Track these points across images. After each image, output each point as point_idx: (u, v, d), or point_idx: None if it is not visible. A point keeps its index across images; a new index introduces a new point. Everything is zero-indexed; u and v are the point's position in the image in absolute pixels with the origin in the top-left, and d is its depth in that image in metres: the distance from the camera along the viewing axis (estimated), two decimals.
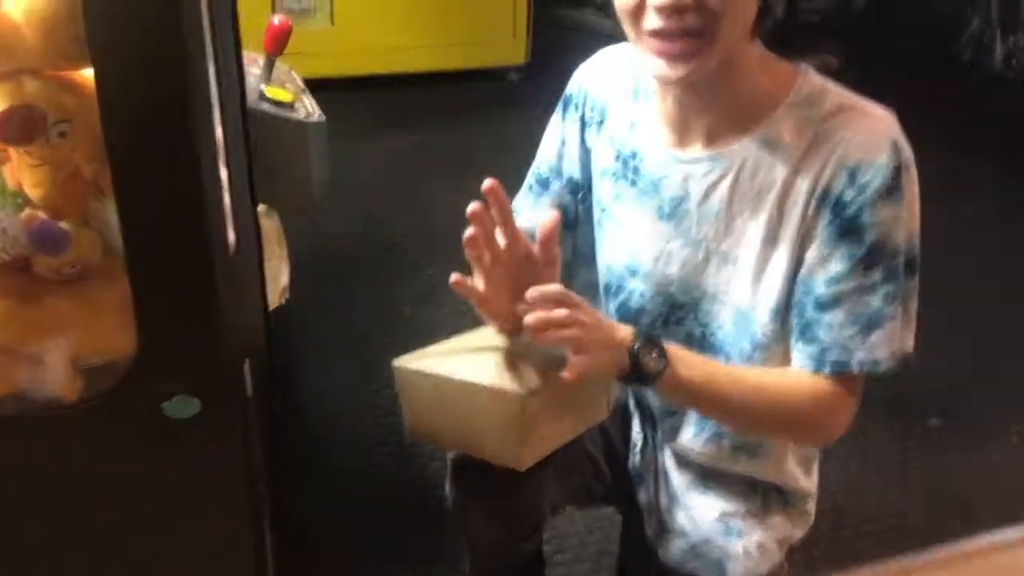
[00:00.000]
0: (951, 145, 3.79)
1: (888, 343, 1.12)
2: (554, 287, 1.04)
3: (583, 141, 1.29)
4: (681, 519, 1.37)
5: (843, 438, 2.16)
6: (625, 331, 1.09)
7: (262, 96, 1.36)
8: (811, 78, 1.13)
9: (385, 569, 1.76)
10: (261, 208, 1.06)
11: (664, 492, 1.40)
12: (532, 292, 1.01)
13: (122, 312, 0.94)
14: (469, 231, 1.02)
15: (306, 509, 1.89)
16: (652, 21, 1.03)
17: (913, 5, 4.29)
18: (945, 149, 3.74)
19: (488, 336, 1.18)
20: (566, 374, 1.02)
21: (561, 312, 1.02)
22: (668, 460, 1.40)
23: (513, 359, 1.14)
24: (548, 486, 1.28)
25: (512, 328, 1.15)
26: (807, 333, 1.13)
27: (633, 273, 1.26)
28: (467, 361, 1.15)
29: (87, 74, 0.83)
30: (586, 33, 4.98)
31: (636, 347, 1.07)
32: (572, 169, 1.34)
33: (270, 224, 1.09)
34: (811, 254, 1.11)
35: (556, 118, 1.33)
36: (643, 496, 1.43)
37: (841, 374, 1.13)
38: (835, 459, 2.11)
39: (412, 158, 3.58)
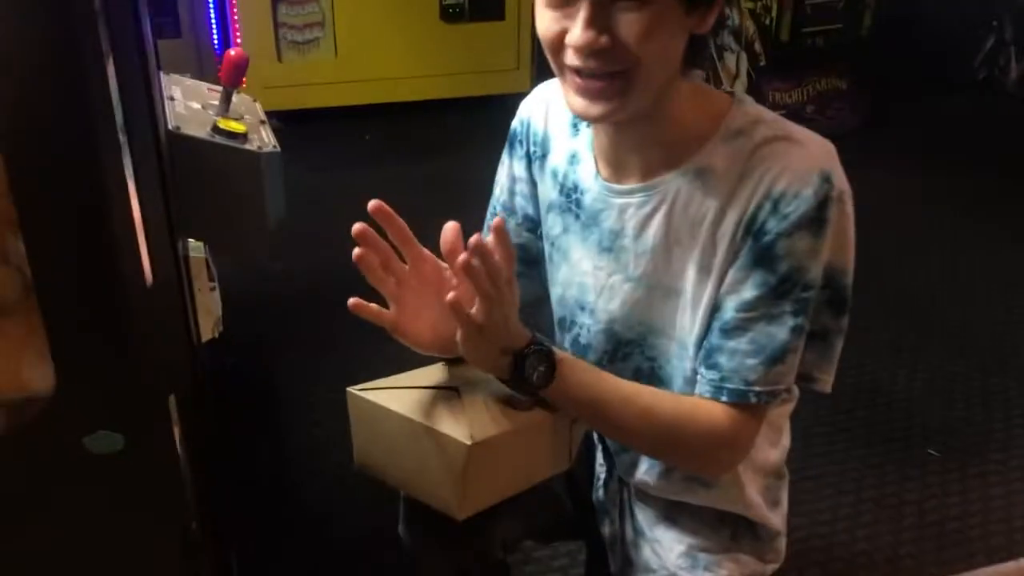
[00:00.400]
0: (966, 163, 3.76)
1: (787, 375, 1.11)
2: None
3: (531, 176, 1.29)
4: (647, 553, 1.35)
5: (837, 471, 2.15)
6: (523, 335, 1.07)
7: (215, 128, 1.36)
8: (745, 109, 1.11)
9: None
10: (191, 242, 1.05)
11: (629, 526, 1.38)
12: (475, 241, 0.98)
13: (42, 348, 0.94)
14: (356, 251, 1.03)
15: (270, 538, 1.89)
16: (571, 59, 1.01)
17: (924, 27, 4.25)
18: (961, 167, 3.71)
19: (458, 372, 1.16)
20: (447, 297, 1.00)
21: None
22: (633, 494, 1.38)
23: (474, 400, 1.11)
24: (502, 525, 1.25)
25: (444, 352, 1.13)
26: (710, 359, 1.11)
27: (582, 308, 1.24)
28: (423, 398, 1.13)
29: None
30: None
31: (523, 356, 1.05)
32: (525, 206, 1.33)
33: (199, 257, 1.08)
34: (727, 279, 1.09)
35: (504, 156, 1.32)
36: (607, 530, 1.41)
37: (739, 404, 1.09)
38: (828, 492, 2.08)
39: (415, 185, 3.59)
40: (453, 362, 1.18)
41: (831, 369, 1.23)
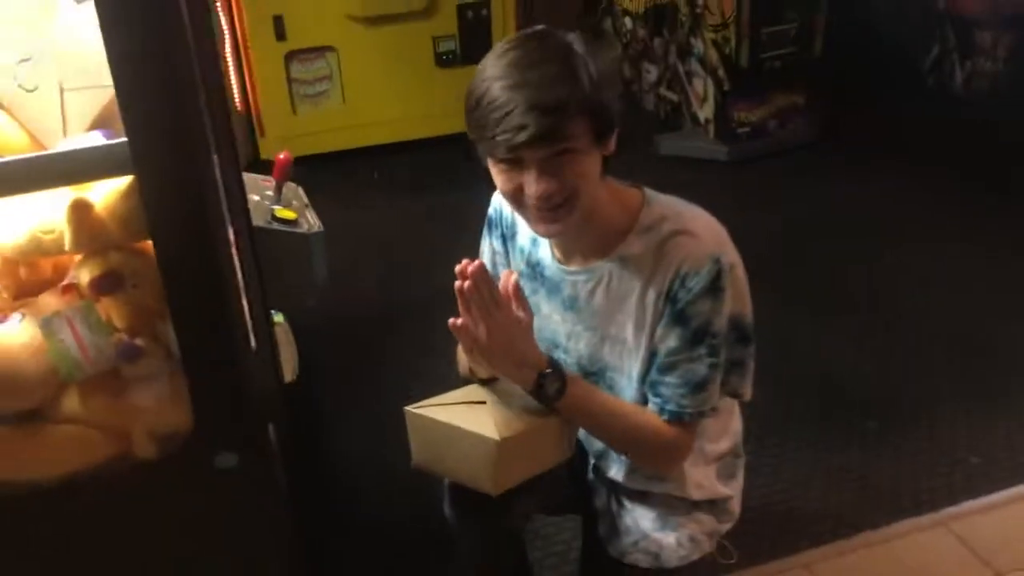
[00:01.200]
0: (918, 165, 4.15)
1: (710, 399, 1.54)
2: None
3: (506, 251, 1.71)
4: (627, 521, 1.74)
5: (800, 447, 2.56)
6: (541, 359, 1.48)
7: (272, 216, 1.80)
8: (651, 209, 1.52)
9: None
10: (275, 314, 1.48)
11: (614, 501, 1.77)
12: (464, 265, 1.36)
13: (182, 397, 1.37)
14: (465, 284, 1.38)
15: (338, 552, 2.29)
16: (530, 201, 1.41)
17: (873, 42, 4.65)
18: (912, 169, 4.11)
19: (483, 391, 1.58)
20: (450, 322, 1.39)
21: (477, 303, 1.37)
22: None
23: (499, 409, 1.53)
24: (521, 501, 1.64)
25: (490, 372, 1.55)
26: (654, 388, 1.55)
27: (556, 346, 1.66)
28: (461, 410, 1.55)
29: (149, 244, 1.27)
30: None
31: (544, 374, 1.47)
32: (506, 271, 1.73)
33: (280, 323, 1.51)
34: (657, 333, 1.52)
35: (484, 235, 1.74)
36: (598, 503, 1.80)
37: (676, 421, 1.53)
38: (787, 466, 2.50)
39: (420, 217, 3.99)
40: (485, 382, 1.60)
41: (749, 382, 1.68)
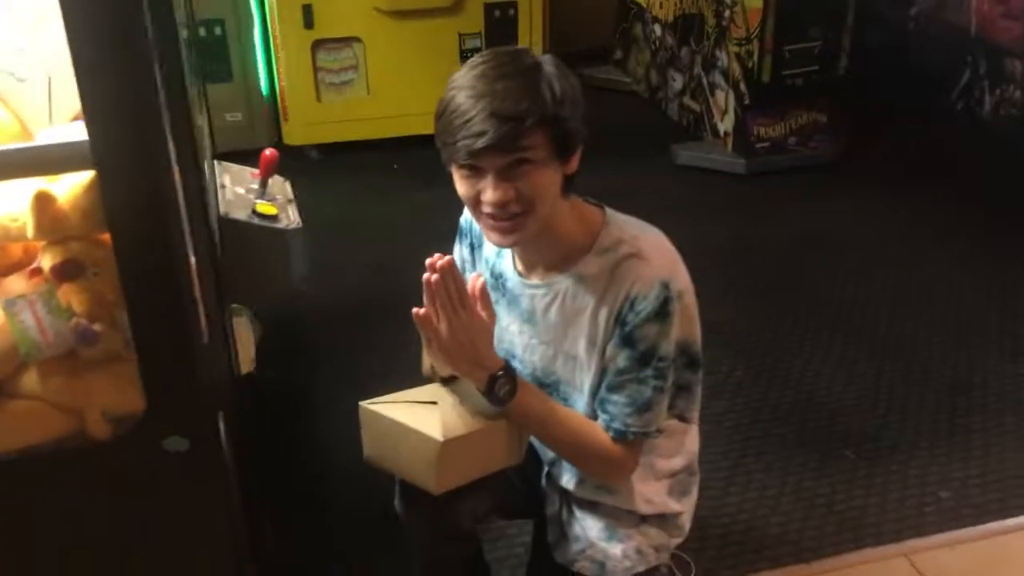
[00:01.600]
0: (938, 190, 4.14)
1: (656, 421, 1.59)
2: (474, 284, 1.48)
3: (473, 259, 1.77)
4: (576, 528, 1.78)
5: (767, 468, 2.59)
6: (497, 361, 1.53)
7: (253, 211, 1.87)
8: (610, 231, 1.58)
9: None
10: (236, 308, 1.55)
11: (565, 507, 1.82)
12: (435, 259, 1.43)
13: (135, 382, 1.44)
14: (432, 277, 1.44)
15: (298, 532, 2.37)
16: (487, 208, 1.48)
17: (903, 64, 4.62)
18: (931, 194, 4.10)
19: (441, 391, 1.63)
20: (414, 311, 1.46)
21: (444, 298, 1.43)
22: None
23: (449, 410, 1.59)
24: (469, 502, 1.71)
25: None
26: (602, 405, 1.60)
27: (513, 356, 1.71)
28: (413, 408, 1.61)
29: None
30: (604, 89, 5.45)
31: (496, 376, 1.52)
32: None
33: (241, 317, 1.58)
34: (607, 353, 1.57)
35: (455, 246, 1.80)
36: (550, 509, 1.85)
37: (621, 439, 1.58)
38: (755, 487, 2.53)
39: (437, 210, 3.97)
40: (445, 382, 1.65)
41: (696, 407, 1.74)
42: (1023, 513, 2.43)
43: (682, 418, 1.72)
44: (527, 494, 1.89)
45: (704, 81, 4.51)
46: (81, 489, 1.49)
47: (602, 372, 1.60)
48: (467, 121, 1.40)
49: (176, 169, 1.33)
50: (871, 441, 2.71)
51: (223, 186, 1.96)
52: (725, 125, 4.40)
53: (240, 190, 1.98)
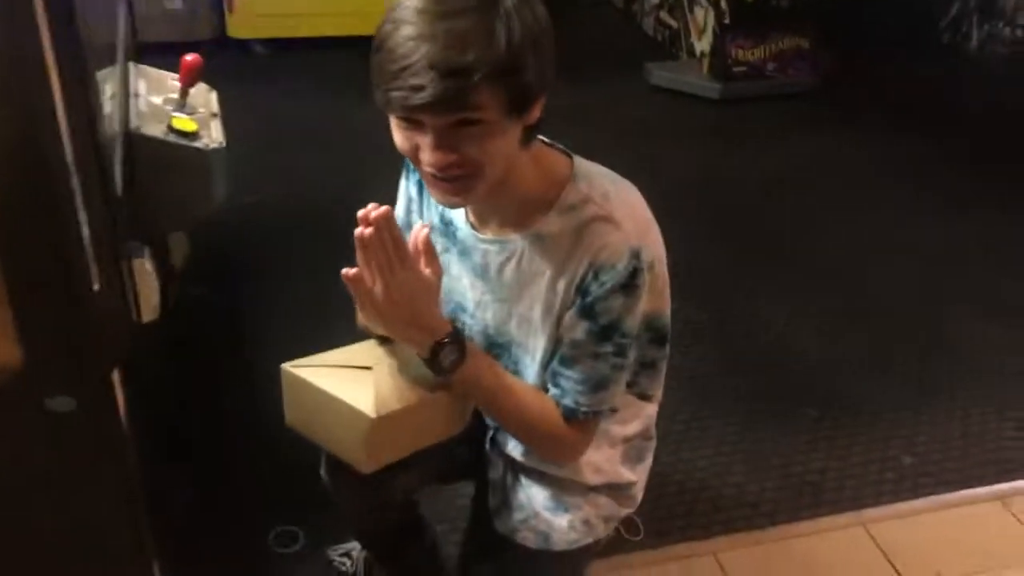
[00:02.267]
0: (921, 126, 3.96)
1: (610, 400, 1.43)
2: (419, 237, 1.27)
3: (421, 199, 1.55)
4: (520, 495, 1.63)
5: (721, 424, 2.45)
6: (443, 325, 1.33)
7: (169, 127, 1.62)
8: (578, 186, 1.37)
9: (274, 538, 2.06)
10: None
11: (510, 472, 1.66)
12: (368, 210, 1.22)
13: (10, 330, 1.22)
14: (365, 231, 1.23)
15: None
16: (427, 167, 1.25)
17: None
18: (914, 131, 3.92)
19: (376, 352, 1.43)
20: (343, 272, 1.25)
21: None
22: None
23: (384, 378, 1.40)
24: (402, 475, 1.54)
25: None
26: (553, 379, 1.42)
27: (463, 310, 1.52)
28: (342, 375, 1.41)
29: None
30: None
31: (441, 343, 1.32)
32: (417, 222, 1.58)
33: (141, 261, 1.36)
34: (564, 322, 1.38)
35: (402, 179, 1.57)
36: (492, 474, 1.69)
37: (571, 416, 1.40)
38: (710, 443, 2.39)
39: (377, 125, 3.78)
40: (383, 340, 1.46)
41: (660, 385, 1.57)
42: (983, 484, 2.33)
43: (643, 396, 1.56)
44: (468, 458, 1.72)
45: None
46: None
47: (556, 341, 1.41)
48: (403, 69, 1.15)
49: (56, 80, 1.09)
50: (836, 400, 2.58)
51: (136, 95, 1.70)
52: (702, 45, 4.16)
53: (157, 100, 1.72)
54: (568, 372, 1.40)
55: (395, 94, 1.17)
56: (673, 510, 2.21)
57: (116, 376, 1.32)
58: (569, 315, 1.38)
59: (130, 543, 1.46)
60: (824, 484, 2.31)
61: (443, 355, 1.34)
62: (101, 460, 1.36)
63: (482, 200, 1.32)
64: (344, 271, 1.26)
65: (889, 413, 2.54)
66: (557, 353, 1.41)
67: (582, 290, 1.35)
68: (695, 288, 2.96)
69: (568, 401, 1.41)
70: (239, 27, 4.13)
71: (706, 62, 4.14)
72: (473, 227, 1.45)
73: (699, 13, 4.15)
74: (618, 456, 1.61)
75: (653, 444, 1.70)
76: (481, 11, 1.17)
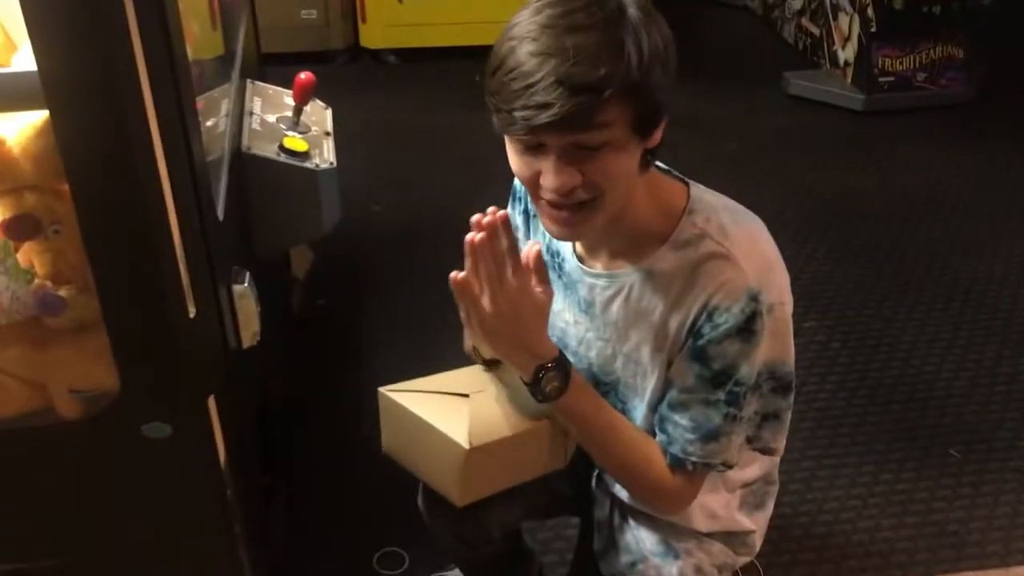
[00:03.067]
0: None
1: (722, 453, 1.32)
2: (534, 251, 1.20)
3: (527, 229, 1.49)
4: (628, 538, 1.55)
5: (855, 462, 2.28)
6: (549, 349, 1.27)
7: (280, 147, 1.60)
8: (695, 218, 1.28)
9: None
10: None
11: (617, 513, 1.59)
12: (480, 217, 1.17)
13: (110, 357, 1.22)
14: (477, 237, 1.18)
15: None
16: (547, 194, 1.18)
17: None
18: None
19: (481, 378, 1.38)
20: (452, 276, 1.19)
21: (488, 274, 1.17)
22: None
23: (483, 407, 1.34)
24: (499, 509, 1.48)
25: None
26: (661, 424, 1.34)
27: (565, 347, 1.44)
28: (440, 401, 1.36)
29: None
30: (713, 3, 4.99)
31: (546, 368, 1.25)
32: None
33: (242, 288, 1.33)
34: (673, 367, 1.30)
35: (509, 207, 1.51)
36: (598, 513, 1.62)
37: (678, 466, 1.30)
38: (842, 483, 2.23)
39: None
40: (488, 365, 1.41)
41: (784, 436, 1.46)
42: None
43: (766, 451, 1.45)
44: (571, 495, 1.64)
45: (827, 2, 4.03)
46: (50, 472, 1.29)
47: (667, 384, 1.32)
48: (528, 87, 1.08)
49: (151, 106, 1.07)
50: (983, 440, 2.37)
51: (251, 113, 1.70)
52: (846, 54, 3.94)
53: (271, 118, 1.71)
54: (677, 418, 1.31)
55: (520, 113, 1.10)
56: (798, 556, 2.07)
57: (212, 402, 1.30)
58: (679, 359, 1.29)
59: (229, 570, 1.45)
60: (967, 536, 2.11)
61: (546, 380, 1.26)
62: (197, 487, 1.35)
63: (596, 231, 1.24)
64: (452, 275, 1.20)
65: None
66: (666, 398, 1.32)
67: (695, 332, 1.26)
68: (829, 312, 2.80)
69: (676, 449, 1.32)
70: (371, 37, 4.17)
71: (850, 72, 3.93)
72: (580, 260, 1.37)
73: (843, 20, 3.93)
74: (736, 502, 1.51)
75: (775, 490, 1.58)
76: (608, 25, 1.10)
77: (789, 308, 1.30)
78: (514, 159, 1.21)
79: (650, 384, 1.34)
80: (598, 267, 1.35)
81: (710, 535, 1.51)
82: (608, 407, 1.36)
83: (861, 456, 2.32)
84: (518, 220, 1.50)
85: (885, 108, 3.87)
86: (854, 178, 3.54)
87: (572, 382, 1.29)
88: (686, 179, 1.33)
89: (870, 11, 3.74)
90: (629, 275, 1.31)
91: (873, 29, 3.75)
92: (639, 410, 1.38)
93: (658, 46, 1.13)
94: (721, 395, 1.27)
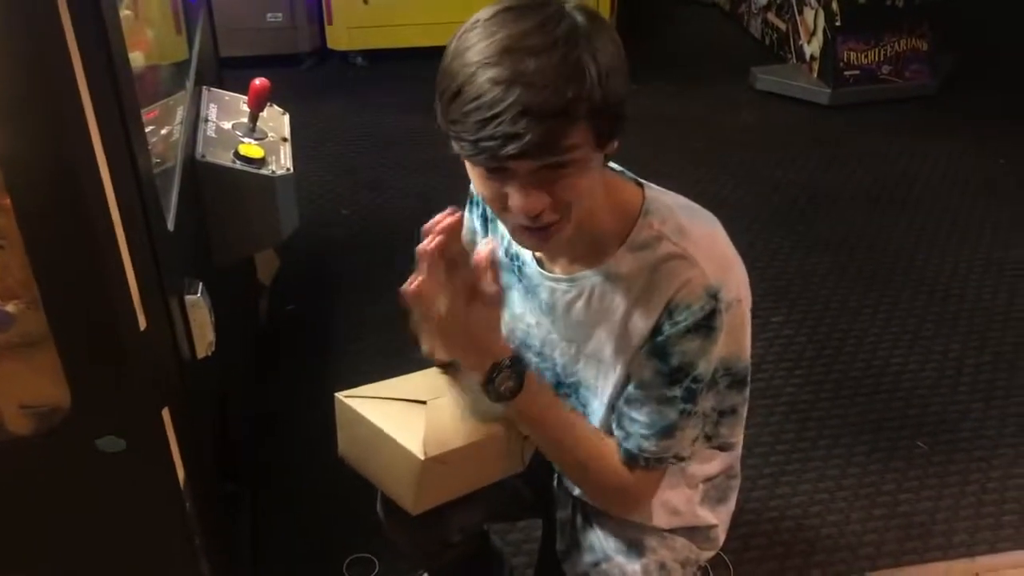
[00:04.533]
0: None
1: (675, 447, 1.32)
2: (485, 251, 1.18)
3: (485, 232, 1.48)
4: (591, 538, 1.54)
5: (823, 455, 2.29)
6: (502, 349, 1.26)
7: (236, 154, 1.59)
8: (651, 219, 1.28)
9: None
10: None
11: (579, 514, 1.58)
12: (434, 222, 1.16)
13: (61, 372, 1.20)
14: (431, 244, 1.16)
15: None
16: (516, 217, 1.17)
17: None
18: None
19: (437, 381, 1.38)
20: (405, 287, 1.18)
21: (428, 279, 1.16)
22: None
23: (439, 413, 1.33)
24: (457, 515, 1.48)
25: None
26: (619, 420, 1.34)
27: (528, 348, 1.44)
28: (396, 409, 1.35)
29: None
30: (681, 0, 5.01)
31: (499, 368, 1.25)
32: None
33: (194, 297, 1.32)
34: (632, 363, 1.30)
35: (466, 211, 1.51)
36: (560, 514, 1.62)
37: (631, 461, 1.31)
38: (809, 477, 2.25)
39: None
40: (445, 368, 1.40)
41: (741, 429, 1.47)
42: None
43: (725, 446, 1.45)
44: (532, 498, 1.64)
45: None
46: (2, 488, 1.28)
47: (624, 380, 1.32)
48: (492, 118, 1.05)
49: (93, 117, 1.05)
50: (949, 431, 2.39)
51: (207, 120, 1.68)
52: (812, 48, 3.96)
53: (227, 125, 1.70)
54: (633, 414, 1.31)
55: (485, 144, 1.07)
56: (767, 551, 2.08)
57: (167, 414, 1.29)
58: (640, 353, 1.28)
59: None
60: (934, 527, 2.13)
61: (500, 379, 1.25)
62: (154, 500, 1.34)
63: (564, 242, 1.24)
64: (403, 288, 1.18)
65: (1008, 448, 2.33)
66: (623, 396, 1.32)
67: (656, 331, 1.26)
68: (796, 305, 2.82)
69: (630, 445, 1.31)
70: (338, 38, 4.15)
71: (816, 66, 3.95)
72: (540, 263, 1.36)
73: (809, 15, 3.95)
74: (698, 497, 1.51)
75: (737, 483, 1.58)
76: (567, 45, 1.07)
77: (747, 304, 1.30)
78: (477, 182, 1.19)
79: (611, 382, 1.34)
80: (558, 271, 1.35)
81: (672, 531, 1.51)
82: (563, 404, 1.36)
83: (829, 449, 2.34)
84: (476, 224, 1.49)
85: (851, 102, 3.89)
86: (821, 172, 3.55)
87: (527, 381, 1.28)
88: (640, 180, 1.33)
89: (835, 5, 3.76)
90: (589, 277, 1.31)
91: (838, 23, 3.77)
92: (599, 412, 1.38)
93: (613, 56, 1.11)
94: (678, 391, 1.27)
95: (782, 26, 4.20)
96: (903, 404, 2.48)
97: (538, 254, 1.37)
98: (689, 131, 3.78)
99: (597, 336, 1.34)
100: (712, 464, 1.50)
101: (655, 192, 1.32)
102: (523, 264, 1.40)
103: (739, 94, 4.11)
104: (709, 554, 1.56)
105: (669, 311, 1.24)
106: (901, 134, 3.78)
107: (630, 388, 1.31)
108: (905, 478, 2.26)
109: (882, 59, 3.88)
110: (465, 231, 1.51)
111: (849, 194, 3.43)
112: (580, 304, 1.34)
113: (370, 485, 1.43)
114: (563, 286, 1.34)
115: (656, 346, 1.26)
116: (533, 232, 1.19)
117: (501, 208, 1.18)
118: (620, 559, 1.48)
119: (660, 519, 1.47)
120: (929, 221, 3.27)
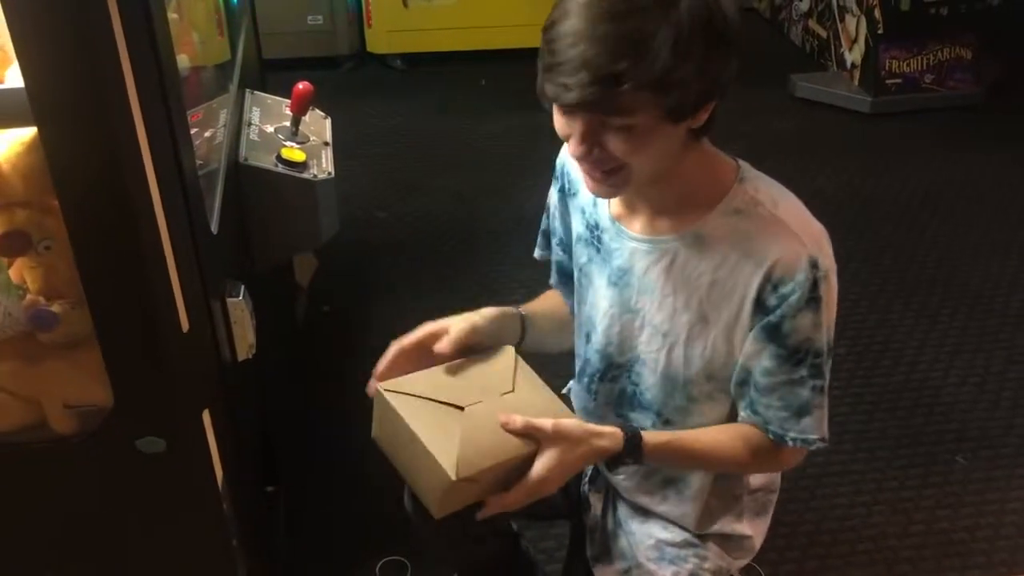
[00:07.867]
0: None
1: (818, 426, 1.33)
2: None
3: (565, 208, 1.48)
4: (622, 543, 1.54)
5: (860, 469, 2.25)
6: (608, 441, 1.28)
7: (278, 157, 1.60)
8: (746, 187, 1.29)
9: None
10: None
11: (610, 517, 1.58)
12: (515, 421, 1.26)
13: (103, 371, 1.21)
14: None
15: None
16: (571, 153, 1.21)
17: None
18: None
19: (485, 379, 1.37)
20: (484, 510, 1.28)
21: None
22: (615, 490, 1.58)
23: (478, 428, 1.30)
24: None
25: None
26: (752, 407, 1.34)
27: (592, 329, 1.44)
28: (435, 413, 1.33)
29: None
30: None
31: (619, 456, 1.29)
32: (561, 231, 1.55)
33: (236, 301, 1.33)
34: (747, 346, 1.30)
35: (551, 187, 1.53)
36: (590, 519, 1.61)
37: (781, 444, 1.33)
38: (846, 490, 2.22)
39: (522, 134, 3.74)
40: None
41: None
42: None
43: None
44: (561, 499, 1.63)
45: (834, 4, 4.01)
46: (44, 487, 1.29)
47: (724, 356, 1.33)
48: (558, 64, 1.11)
49: (140, 121, 1.06)
50: (989, 446, 2.35)
51: (250, 123, 1.70)
52: (853, 56, 3.92)
53: (269, 128, 1.71)
54: (766, 401, 1.31)
55: (549, 87, 1.13)
56: (803, 565, 2.05)
57: (207, 416, 1.30)
58: (751, 341, 1.28)
59: None
60: (973, 544, 2.09)
61: (621, 469, 1.35)
62: (193, 501, 1.35)
63: (637, 191, 1.27)
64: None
65: None
66: (749, 381, 1.32)
67: (762, 308, 1.26)
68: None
69: (775, 428, 1.32)
70: (377, 42, 4.17)
71: (857, 73, 3.91)
72: (618, 220, 1.36)
73: (850, 22, 3.91)
74: (738, 508, 1.50)
75: (775, 497, 1.57)
76: (649, 14, 1.09)
77: (836, 278, 1.29)
78: (555, 115, 1.22)
79: (679, 359, 1.34)
80: (637, 228, 1.34)
81: (704, 537, 1.50)
82: (682, 437, 1.36)
83: (866, 463, 2.31)
84: (555, 198, 1.51)
85: (892, 110, 3.84)
86: (861, 181, 3.52)
87: (643, 450, 1.30)
88: (735, 157, 1.34)
89: (877, 13, 3.72)
90: (673, 242, 1.30)
91: (880, 31, 3.73)
92: (655, 389, 1.39)
93: (703, 38, 1.11)
94: (804, 371, 1.27)
95: (823, 33, 4.16)
96: (942, 418, 2.45)
97: (616, 210, 1.37)
98: (728, 138, 3.72)
99: (670, 305, 1.33)
100: (757, 477, 1.50)
101: (748, 166, 1.33)
102: (601, 232, 1.39)
103: (779, 101, 4.08)
104: (742, 563, 1.55)
105: (773, 285, 1.24)
106: (944, 144, 3.73)
107: (757, 378, 1.31)
108: (943, 494, 2.22)
109: (925, 67, 3.83)
110: (550, 204, 1.55)
111: (890, 204, 3.39)
112: (659, 269, 1.33)
113: (400, 483, 1.43)
114: (644, 247, 1.33)
115: (769, 328, 1.26)
116: (595, 173, 1.22)
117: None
118: (651, 567, 1.47)
119: (697, 523, 1.47)
120: (972, 233, 3.22)
